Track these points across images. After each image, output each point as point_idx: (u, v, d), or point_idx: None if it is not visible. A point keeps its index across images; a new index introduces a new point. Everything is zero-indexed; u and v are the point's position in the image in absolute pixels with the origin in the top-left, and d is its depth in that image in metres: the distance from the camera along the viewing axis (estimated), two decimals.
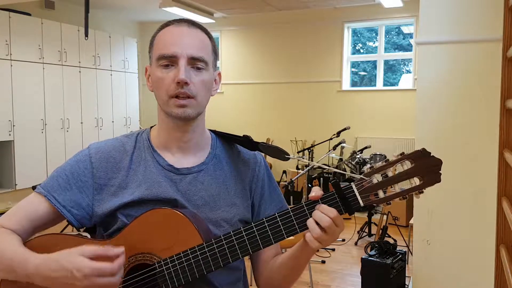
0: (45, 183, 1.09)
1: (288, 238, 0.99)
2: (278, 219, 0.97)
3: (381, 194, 0.95)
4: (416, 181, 0.94)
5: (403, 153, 0.95)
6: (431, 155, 0.94)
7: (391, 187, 0.95)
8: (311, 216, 0.96)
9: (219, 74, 1.15)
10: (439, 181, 0.94)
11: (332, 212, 0.95)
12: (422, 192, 0.95)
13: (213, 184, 1.12)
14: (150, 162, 1.11)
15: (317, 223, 0.94)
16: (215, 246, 0.98)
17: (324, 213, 0.94)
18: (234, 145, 1.21)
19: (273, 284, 1.17)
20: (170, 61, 1.04)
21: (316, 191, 0.97)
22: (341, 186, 0.97)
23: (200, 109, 1.08)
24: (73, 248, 0.93)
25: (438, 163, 0.94)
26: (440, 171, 0.94)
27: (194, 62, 1.04)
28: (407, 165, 0.94)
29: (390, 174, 0.95)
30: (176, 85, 1.02)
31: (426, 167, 0.93)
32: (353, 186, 0.96)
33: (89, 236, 1.14)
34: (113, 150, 1.12)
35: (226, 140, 1.21)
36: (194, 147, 1.14)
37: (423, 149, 0.94)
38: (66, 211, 1.07)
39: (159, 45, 1.06)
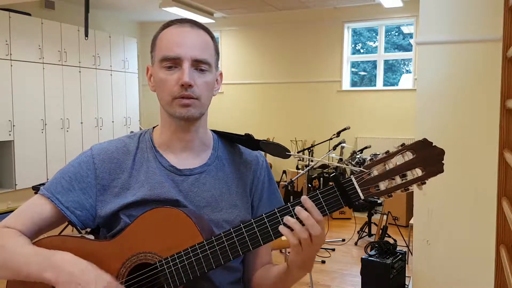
0: (49, 185, 1.09)
1: (284, 239, 0.98)
2: (278, 214, 0.97)
3: (381, 186, 0.92)
4: (418, 172, 0.91)
5: (403, 144, 0.93)
6: (433, 145, 0.91)
7: (392, 179, 0.92)
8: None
9: (221, 74, 1.16)
10: (442, 171, 0.90)
11: (318, 214, 0.94)
12: (425, 183, 0.92)
13: (215, 185, 1.13)
14: (153, 162, 1.11)
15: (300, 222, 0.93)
16: (215, 243, 0.98)
17: (309, 212, 0.93)
18: (236, 145, 1.21)
19: None
20: (173, 62, 1.04)
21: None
22: (341, 179, 0.95)
23: (203, 109, 1.08)
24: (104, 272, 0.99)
25: (440, 152, 0.90)
26: (442, 161, 0.90)
27: (198, 64, 1.05)
28: (408, 156, 0.91)
29: (391, 166, 0.92)
30: (180, 87, 1.03)
31: (428, 157, 0.90)
32: (353, 179, 0.94)
33: (93, 237, 1.15)
34: (116, 151, 1.12)
35: (227, 140, 1.21)
36: (197, 147, 1.14)
37: (425, 139, 0.91)
38: (69, 213, 1.07)
39: (162, 46, 1.06)
